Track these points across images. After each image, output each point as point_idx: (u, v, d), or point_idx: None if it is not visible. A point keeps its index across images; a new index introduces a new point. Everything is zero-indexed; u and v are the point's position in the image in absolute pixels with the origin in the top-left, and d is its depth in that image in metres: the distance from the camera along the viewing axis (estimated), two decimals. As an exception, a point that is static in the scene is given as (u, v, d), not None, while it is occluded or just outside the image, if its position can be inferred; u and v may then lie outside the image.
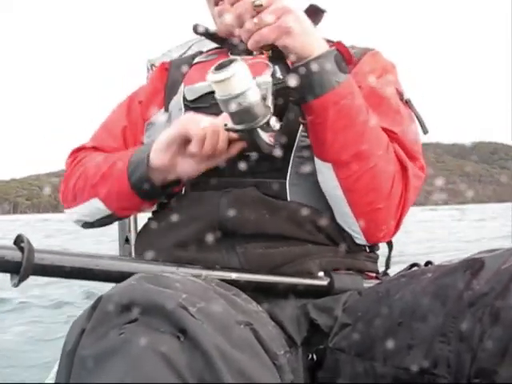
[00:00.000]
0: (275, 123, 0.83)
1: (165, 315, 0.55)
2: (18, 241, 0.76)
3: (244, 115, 0.81)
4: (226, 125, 0.85)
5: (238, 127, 0.83)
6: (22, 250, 0.75)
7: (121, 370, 0.50)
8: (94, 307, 0.59)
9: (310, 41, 0.84)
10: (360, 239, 0.98)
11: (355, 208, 0.93)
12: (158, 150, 0.95)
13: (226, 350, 0.54)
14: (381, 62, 1.13)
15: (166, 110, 1.17)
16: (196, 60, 1.23)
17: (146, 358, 0.50)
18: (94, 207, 1.06)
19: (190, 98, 1.10)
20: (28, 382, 2.55)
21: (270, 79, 0.84)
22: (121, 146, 1.17)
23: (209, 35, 1.22)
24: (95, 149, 1.18)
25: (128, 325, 0.55)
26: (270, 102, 0.83)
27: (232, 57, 0.82)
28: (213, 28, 1.22)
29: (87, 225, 1.13)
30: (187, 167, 0.96)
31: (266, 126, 0.83)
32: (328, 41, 1.16)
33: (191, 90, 1.12)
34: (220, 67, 0.80)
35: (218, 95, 0.82)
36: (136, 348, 0.51)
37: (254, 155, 0.94)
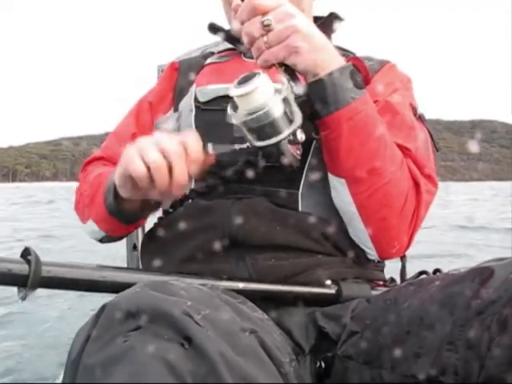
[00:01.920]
0: (301, 135, 0.83)
1: (169, 322, 0.55)
2: (25, 253, 0.76)
3: (269, 129, 0.80)
4: (209, 151, 0.84)
5: (265, 143, 0.81)
6: (28, 262, 0.74)
7: (125, 378, 0.50)
8: (98, 315, 0.59)
9: (322, 57, 0.84)
10: (372, 255, 0.98)
11: (368, 224, 0.92)
12: (118, 183, 0.89)
13: (230, 358, 0.54)
14: (397, 75, 1.13)
15: (176, 110, 1.15)
16: (208, 61, 1.22)
17: (151, 365, 0.50)
18: (91, 228, 1.07)
19: (202, 99, 1.09)
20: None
21: (291, 91, 0.84)
22: None
23: (224, 35, 1.21)
24: (104, 159, 1.19)
25: (133, 332, 0.55)
26: (295, 113, 0.82)
27: (255, 70, 0.82)
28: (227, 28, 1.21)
29: (102, 239, 1.12)
30: (157, 197, 0.87)
31: (293, 139, 0.82)
32: (344, 50, 1.16)
33: (203, 91, 1.10)
34: (242, 81, 0.80)
35: (241, 110, 0.81)
36: (141, 355, 0.51)
37: (262, 163, 0.92)
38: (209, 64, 1.20)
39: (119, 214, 0.97)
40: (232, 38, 1.20)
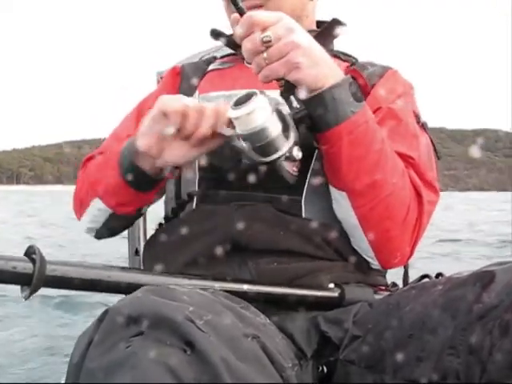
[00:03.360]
0: (298, 153, 0.83)
1: (172, 328, 0.55)
2: (29, 252, 0.75)
3: (266, 148, 0.81)
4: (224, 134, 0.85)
5: (262, 160, 0.83)
6: (33, 261, 0.73)
7: (128, 383, 0.50)
8: (100, 320, 0.59)
9: (323, 71, 0.84)
10: (374, 264, 0.98)
11: (370, 235, 0.92)
12: (143, 134, 0.90)
13: (232, 363, 0.54)
14: (400, 82, 1.13)
15: None
16: (211, 67, 1.21)
17: (153, 370, 0.50)
18: (96, 209, 1.04)
19: None
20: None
21: (288, 110, 0.85)
22: None
23: (225, 40, 1.20)
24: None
25: (135, 338, 0.55)
26: (291, 132, 0.83)
27: (251, 90, 0.82)
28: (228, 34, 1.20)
29: (98, 234, 1.11)
30: (175, 152, 0.89)
31: (289, 156, 0.83)
32: (345, 55, 1.15)
33: (206, 98, 1.10)
34: (239, 102, 0.81)
35: (239, 130, 0.82)
36: (143, 361, 0.51)
37: (265, 169, 0.91)
38: (211, 70, 1.20)
39: (135, 176, 0.94)
40: (234, 43, 1.19)
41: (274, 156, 0.81)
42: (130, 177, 0.94)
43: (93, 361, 0.55)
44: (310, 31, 0.91)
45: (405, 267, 1.12)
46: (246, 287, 0.85)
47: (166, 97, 0.89)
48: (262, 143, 0.81)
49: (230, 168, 0.96)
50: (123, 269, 0.83)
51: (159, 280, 0.81)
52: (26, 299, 0.74)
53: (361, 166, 0.88)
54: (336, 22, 1.16)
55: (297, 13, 1.10)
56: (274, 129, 0.81)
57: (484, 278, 0.68)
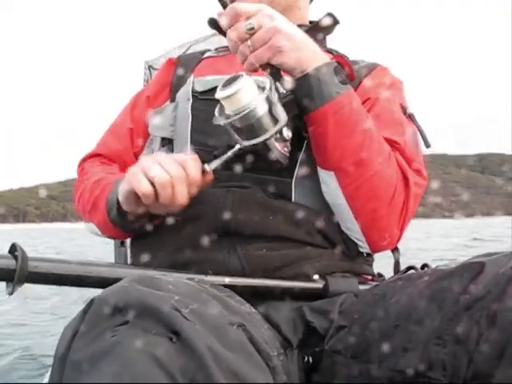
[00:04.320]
0: (288, 132, 0.86)
1: (157, 317, 0.55)
2: (13, 249, 0.77)
3: (255, 129, 0.83)
4: (209, 170, 0.86)
5: (252, 142, 0.84)
6: (16, 258, 0.76)
7: (113, 372, 0.49)
8: (85, 310, 0.58)
9: (305, 55, 0.87)
10: (364, 247, 0.99)
11: (358, 216, 0.94)
12: (122, 200, 0.91)
13: (218, 351, 0.53)
14: (389, 77, 1.16)
15: (172, 101, 1.16)
16: (206, 55, 1.24)
17: (139, 359, 0.50)
18: (95, 229, 1.09)
19: (199, 89, 1.10)
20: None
21: (275, 91, 0.86)
22: (128, 148, 1.18)
23: (221, 30, 1.21)
24: (101, 156, 1.19)
25: (120, 327, 0.54)
26: (279, 112, 0.85)
27: (237, 73, 0.85)
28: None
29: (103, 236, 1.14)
30: (159, 211, 0.90)
31: (279, 137, 0.85)
32: (336, 52, 1.17)
33: (201, 81, 1.12)
34: (227, 84, 0.84)
35: (227, 111, 0.84)
36: (128, 350, 0.51)
37: (251, 158, 0.92)
38: (206, 58, 1.22)
39: (123, 225, 0.98)
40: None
41: (264, 136, 0.83)
42: (118, 224, 0.98)
43: (78, 352, 0.54)
44: (300, 25, 0.95)
45: (395, 255, 1.13)
46: (227, 280, 0.86)
47: (131, 173, 0.87)
48: (250, 122, 0.83)
49: (219, 152, 0.95)
50: (105, 264, 0.85)
51: (140, 274, 0.82)
52: (9, 295, 0.77)
53: (346, 146, 0.90)
54: (328, 16, 1.17)
55: (289, 3, 1.14)
56: (261, 108, 0.83)
57: (473, 269, 0.68)
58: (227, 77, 0.86)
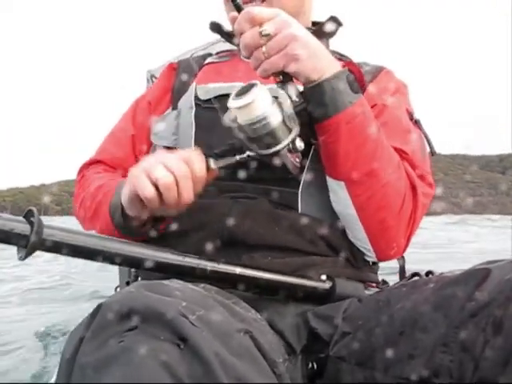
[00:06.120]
0: (300, 143, 0.84)
1: (165, 323, 0.55)
2: (28, 215, 0.75)
3: (268, 139, 0.82)
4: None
5: (265, 152, 0.83)
6: (31, 223, 0.74)
7: (120, 378, 0.50)
8: (93, 315, 0.59)
9: (320, 63, 0.86)
10: (370, 256, 0.99)
11: (367, 226, 0.94)
12: (126, 204, 0.90)
13: (225, 358, 0.54)
14: (394, 81, 1.15)
15: (174, 108, 1.15)
16: (208, 61, 1.22)
17: (146, 365, 0.50)
18: None
19: (202, 97, 1.09)
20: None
21: (289, 101, 0.85)
22: (129, 155, 1.17)
23: (224, 34, 1.21)
24: (102, 163, 1.18)
25: (128, 333, 0.54)
26: (292, 123, 0.83)
27: (252, 81, 0.83)
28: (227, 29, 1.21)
29: None
30: (164, 213, 0.90)
31: (292, 147, 0.84)
32: (340, 55, 1.17)
33: (204, 89, 1.10)
34: (240, 93, 0.82)
35: (240, 121, 0.83)
36: (136, 356, 0.51)
37: (254, 164, 0.92)
38: (208, 64, 1.21)
39: (127, 230, 0.96)
40: (231, 38, 1.20)
41: (278, 147, 0.82)
42: (122, 229, 0.96)
43: (85, 356, 0.55)
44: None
45: (400, 262, 1.13)
46: (238, 270, 0.85)
47: (134, 175, 0.85)
48: (263, 133, 0.81)
49: (221, 151, 0.94)
50: (120, 241, 0.83)
51: (153, 254, 0.82)
52: (21, 260, 0.75)
53: (358, 156, 0.89)
54: (332, 20, 1.18)
55: (296, 9, 1.12)
56: (275, 118, 0.81)
57: (478, 276, 0.68)
58: (230, 84, 0.84)
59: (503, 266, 0.69)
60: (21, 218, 0.75)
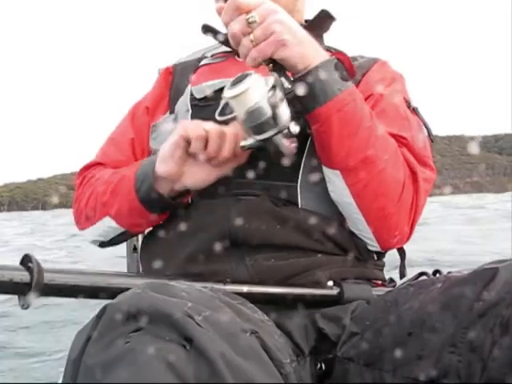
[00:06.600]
0: (295, 127, 0.84)
1: (171, 324, 0.55)
2: (26, 261, 0.74)
3: (264, 125, 0.82)
4: (243, 146, 0.88)
5: (261, 137, 0.84)
6: (29, 270, 0.72)
7: (126, 379, 0.50)
8: (99, 316, 0.59)
9: (308, 50, 0.86)
10: (373, 246, 0.98)
11: (366, 214, 0.93)
12: (163, 159, 0.93)
13: (231, 359, 0.54)
14: (389, 71, 1.15)
15: (172, 112, 1.15)
16: (202, 62, 1.22)
17: (152, 366, 0.50)
18: (107, 226, 1.05)
19: (198, 96, 1.09)
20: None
21: (281, 87, 0.85)
22: (129, 159, 1.16)
23: (222, 36, 1.19)
24: (103, 165, 1.17)
25: (134, 333, 0.55)
26: (285, 109, 0.83)
27: (246, 71, 0.84)
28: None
29: (104, 244, 1.12)
30: (195, 176, 0.93)
31: (287, 132, 0.84)
32: (334, 50, 1.16)
33: (199, 89, 1.10)
34: (235, 83, 0.82)
35: (236, 110, 0.83)
36: (142, 356, 0.51)
37: (262, 159, 0.93)
38: (203, 65, 1.21)
39: (152, 202, 0.96)
40: (228, 40, 1.20)
41: (272, 132, 0.83)
42: (147, 201, 0.96)
43: (91, 357, 0.55)
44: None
45: (401, 256, 1.12)
46: (245, 289, 0.85)
47: (188, 122, 0.92)
48: (260, 121, 0.82)
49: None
50: (122, 274, 0.83)
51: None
52: (25, 309, 0.73)
53: (352, 143, 0.88)
54: (325, 15, 1.17)
55: (290, 6, 1.12)
56: (270, 105, 0.82)
57: (485, 276, 0.68)
58: (225, 80, 0.85)
59: (511, 266, 0.68)
60: (19, 266, 0.73)
